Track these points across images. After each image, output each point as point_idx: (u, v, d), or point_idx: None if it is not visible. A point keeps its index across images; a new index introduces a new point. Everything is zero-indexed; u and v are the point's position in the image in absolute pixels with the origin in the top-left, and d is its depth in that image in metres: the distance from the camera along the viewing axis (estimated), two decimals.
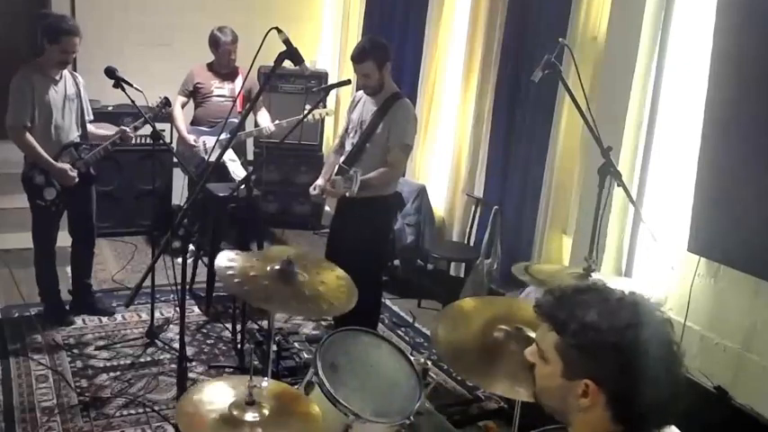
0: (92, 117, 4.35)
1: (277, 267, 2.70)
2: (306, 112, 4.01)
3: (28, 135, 3.96)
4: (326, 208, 6.24)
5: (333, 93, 6.14)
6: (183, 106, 5.34)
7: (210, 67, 5.37)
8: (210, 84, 5.33)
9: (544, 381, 1.41)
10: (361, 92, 4.03)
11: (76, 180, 4.08)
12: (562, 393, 1.37)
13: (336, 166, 4.03)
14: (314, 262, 2.92)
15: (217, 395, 2.22)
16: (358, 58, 3.82)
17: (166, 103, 4.43)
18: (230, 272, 2.69)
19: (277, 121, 5.23)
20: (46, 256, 4.28)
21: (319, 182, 4.07)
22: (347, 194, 3.60)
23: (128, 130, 4.17)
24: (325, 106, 4.98)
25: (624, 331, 1.29)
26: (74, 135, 4.17)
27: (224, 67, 5.33)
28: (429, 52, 5.47)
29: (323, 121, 6.18)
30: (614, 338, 1.29)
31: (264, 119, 5.36)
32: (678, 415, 1.34)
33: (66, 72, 4.12)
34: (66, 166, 4.05)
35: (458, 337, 2.49)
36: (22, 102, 3.94)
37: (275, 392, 2.29)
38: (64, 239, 4.44)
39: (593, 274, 2.85)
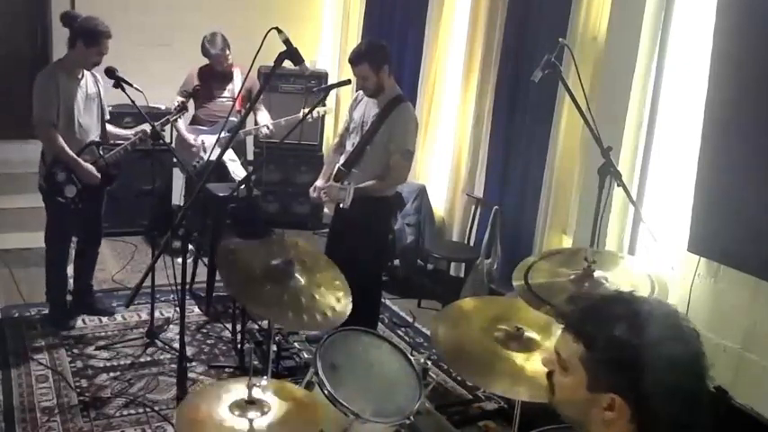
0: (108, 117, 4.35)
1: (277, 264, 2.70)
2: (306, 112, 4.00)
3: (55, 132, 3.96)
4: (326, 210, 6.24)
5: (333, 92, 6.14)
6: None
7: (210, 68, 5.37)
8: (210, 85, 5.33)
9: (566, 392, 1.36)
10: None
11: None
12: (585, 405, 1.32)
13: (336, 168, 4.03)
14: (316, 263, 2.91)
15: (216, 396, 2.22)
16: (354, 60, 3.84)
17: (182, 107, 4.49)
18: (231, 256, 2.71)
19: (274, 121, 5.21)
20: (59, 258, 4.26)
21: (318, 183, 4.07)
22: (341, 205, 3.60)
23: (149, 130, 4.15)
24: (324, 105, 4.97)
25: (655, 348, 1.25)
26: (94, 134, 4.18)
27: (220, 71, 5.34)
28: (429, 52, 5.47)
29: (323, 120, 6.17)
30: (645, 355, 1.25)
31: (264, 118, 5.37)
32: (704, 428, 1.31)
33: (86, 71, 4.13)
34: (91, 166, 4.06)
35: (458, 337, 2.49)
36: (48, 99, 3.95)
37: (276, 390, 2.28)
38: None
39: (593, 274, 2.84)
